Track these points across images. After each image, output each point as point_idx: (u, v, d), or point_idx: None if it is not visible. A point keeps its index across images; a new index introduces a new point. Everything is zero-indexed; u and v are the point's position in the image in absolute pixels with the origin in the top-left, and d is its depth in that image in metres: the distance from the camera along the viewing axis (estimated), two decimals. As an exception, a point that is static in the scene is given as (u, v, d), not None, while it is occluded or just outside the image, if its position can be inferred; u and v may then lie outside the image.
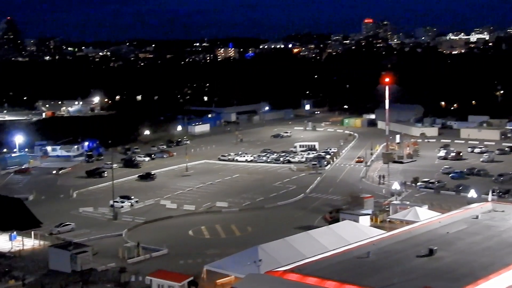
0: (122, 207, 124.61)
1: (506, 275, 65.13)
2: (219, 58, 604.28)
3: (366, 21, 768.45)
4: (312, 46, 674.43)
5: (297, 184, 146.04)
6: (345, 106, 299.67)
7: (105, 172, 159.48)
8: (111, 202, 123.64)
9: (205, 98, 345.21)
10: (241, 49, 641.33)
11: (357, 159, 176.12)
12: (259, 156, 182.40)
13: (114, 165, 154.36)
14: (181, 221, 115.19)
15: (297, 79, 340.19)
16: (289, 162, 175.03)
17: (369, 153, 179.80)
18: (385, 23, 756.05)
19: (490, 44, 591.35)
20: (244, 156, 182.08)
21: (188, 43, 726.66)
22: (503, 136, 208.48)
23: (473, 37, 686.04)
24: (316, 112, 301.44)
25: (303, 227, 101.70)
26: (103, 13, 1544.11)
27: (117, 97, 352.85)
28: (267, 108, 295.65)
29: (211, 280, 78.99)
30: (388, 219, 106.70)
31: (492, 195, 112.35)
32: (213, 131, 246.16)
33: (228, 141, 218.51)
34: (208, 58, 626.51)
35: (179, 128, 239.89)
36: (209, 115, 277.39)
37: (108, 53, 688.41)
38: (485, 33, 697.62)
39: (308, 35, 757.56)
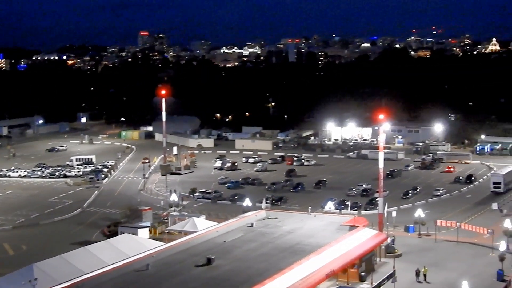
0: None
1: (280, 280, 67.90)
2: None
3: (142, 33, 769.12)
4: (88, 58, 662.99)
5: (74, 199, 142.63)
6: (122, 119, 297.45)
7: None
8: None
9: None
10: (13, 60, 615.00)
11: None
12: (33, 171, 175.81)
13: None
14: None
15: (72, 92, 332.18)
16: (65, 176, 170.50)
17: (147, 165, 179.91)
18: (161, 36, 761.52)
19: (262, 58, 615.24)
20: (17, 171, 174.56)
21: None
22: (275, 146, 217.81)
23: (246, 51, 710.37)
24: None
25: (81, 243, 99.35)
26: None
27: None
28: (41, 121, 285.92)
29: (-18, 304, 74.78)
30: (167, 231, 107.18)
31: (266, 203, 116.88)
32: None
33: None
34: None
35: None
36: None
37: None
38: (257, 47, 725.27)
39: (83, 47, 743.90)
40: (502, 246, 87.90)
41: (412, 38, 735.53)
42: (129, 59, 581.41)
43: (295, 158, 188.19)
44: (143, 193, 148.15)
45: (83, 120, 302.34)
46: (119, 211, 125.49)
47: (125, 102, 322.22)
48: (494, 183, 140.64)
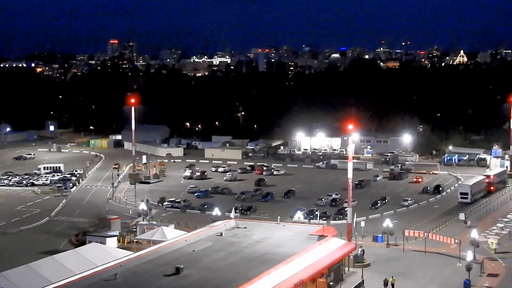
0: None
1: (249, 289, 67.86)
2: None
3: (111, 41, 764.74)
4: (57, 65, 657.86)
5: (41, 208, 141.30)
6: (91, 127, 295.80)
7: None
8: None
9: None
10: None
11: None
12: (0, 179, 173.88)
13: None
14: None
15: (40, 100, 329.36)
16: (32, 184, 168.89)
17: (116, 174, 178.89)
18: (131, 44, 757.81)
19: (232, 67, 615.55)
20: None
21: None
22: (244, 156, 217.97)
23: (216, 60, 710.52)
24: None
25: (48, 252, 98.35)
26: None
27: None
28: (8, 129, 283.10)
29: None
30: (136, 240, 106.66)
31: (235, 212, 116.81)
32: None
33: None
34: None
35: None
36: None
37: None
38: (227, 56, 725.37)
39: (52, 55, 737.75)
40: (469, 256, 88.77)
41: (381, 49, 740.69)
42: (98, 67, 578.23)
43: (264, 168, 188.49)
44: (112, 202, 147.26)
45: (52, 128, 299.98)
46: (87, 220, 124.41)
47: (94, 110, 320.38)
48: (462, 193, 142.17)
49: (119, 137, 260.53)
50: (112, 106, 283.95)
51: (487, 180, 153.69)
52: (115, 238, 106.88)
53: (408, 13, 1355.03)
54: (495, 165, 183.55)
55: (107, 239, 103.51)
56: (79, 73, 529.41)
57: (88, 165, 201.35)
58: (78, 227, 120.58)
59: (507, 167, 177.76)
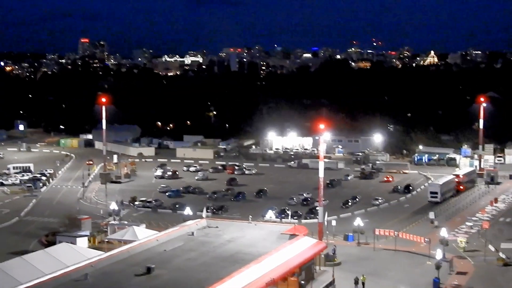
0: None
1: (220, 288, 67.78)
2: None
3: (82, 40, 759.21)
4: (26, 64, 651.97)
5: (11, 208, 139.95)
6: (62, 127, 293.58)
7: None
8: None
9: None
10: None
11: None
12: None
13: None
14: None
15: (10, 99, 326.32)
16: (2, 184, 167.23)
17: (87, 173, 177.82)
18: (102, 43, 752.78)
19: (204, 66, 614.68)
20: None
21: None
22: (216, 155, 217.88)
23: (188, 60, 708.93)
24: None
25: (17, 252, 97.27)
26: None
27: None
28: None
29: None
30: (106, 240, 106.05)
31: (207, 212, 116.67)
32: None
33: None
34: None
35: None
36: None
37: None
38: (199, 56, 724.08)
39: (22, 54, 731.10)
40: (439, 254, 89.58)
41: (353, 49, 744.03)
42: (69, 66, 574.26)
43: (236, 167, 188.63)
44: (82, 202, 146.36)
45: (21, 127, 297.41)
46: (57, 220, 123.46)
47: (64, 109, 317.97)
48: (431, 192, 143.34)
49: (89, 136, 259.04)
50: (82, 106, 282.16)
51: (456, 180, 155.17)
52: (86, 238, 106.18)
53: (380, 13, 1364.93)
54: (465, 165, 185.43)
55: (78, 239, 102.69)
56: (49, 72, 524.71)
57: (58, 164, 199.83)
58: (48, 227, 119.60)
59: (476, 166, 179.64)
